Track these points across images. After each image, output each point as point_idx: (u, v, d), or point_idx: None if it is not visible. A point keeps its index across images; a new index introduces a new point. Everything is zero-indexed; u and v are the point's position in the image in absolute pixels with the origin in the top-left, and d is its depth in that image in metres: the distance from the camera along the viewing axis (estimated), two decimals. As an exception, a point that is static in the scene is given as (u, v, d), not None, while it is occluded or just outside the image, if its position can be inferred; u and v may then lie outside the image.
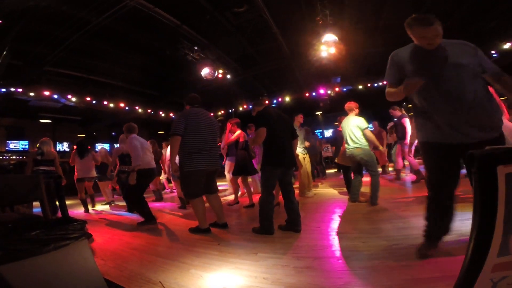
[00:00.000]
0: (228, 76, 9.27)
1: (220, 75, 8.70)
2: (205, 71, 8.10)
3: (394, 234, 2.45)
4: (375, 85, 10.70)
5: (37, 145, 4.66)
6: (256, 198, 3.58)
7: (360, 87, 10.89)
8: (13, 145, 13.74)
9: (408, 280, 1.62)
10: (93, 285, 1.68)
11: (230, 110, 12.69)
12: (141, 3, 5.45)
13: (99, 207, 6.00)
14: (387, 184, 5.66)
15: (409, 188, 5.15)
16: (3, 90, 7.50)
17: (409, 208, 3.39)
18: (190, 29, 6.92)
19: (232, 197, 5.16)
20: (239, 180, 4.92)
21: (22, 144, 14.00)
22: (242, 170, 4.55)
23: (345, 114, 4.21)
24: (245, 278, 1.85)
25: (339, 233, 2.69)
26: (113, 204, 6.17)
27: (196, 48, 7.48)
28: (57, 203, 4.35)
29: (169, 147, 3.18)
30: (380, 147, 4.50)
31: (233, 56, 9.12)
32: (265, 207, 2.87)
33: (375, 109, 14.19)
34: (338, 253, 2.16)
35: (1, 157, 13.23)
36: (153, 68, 9.91)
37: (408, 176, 6.18)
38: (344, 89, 11.06)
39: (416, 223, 2.65)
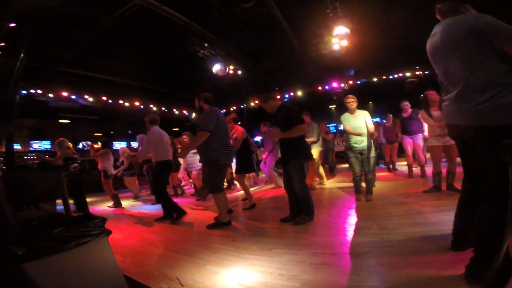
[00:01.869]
0: (239, 72, 9.24)
1: (231, 71, 8.68)
2: (216, 68, 8.11)
3: (414, 229, 2.37)
4: (390, 77, 10.38)
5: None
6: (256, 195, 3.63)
7: (375, 79, 10.60)
8: (36, 145, 14.35)
9: (430, 277, 1.56)
10: (113, 281, 1.73)
11: (241, 106, 12.68)
12: (148, 1, 5.49)
13: (129, 202, 6.30)
14: (405, 179, 5.51)
15: (427, 183, 4.97)
16: (24, 92, 7.80)
17: (430, 203, 3.27)
18: (199, 26, 6.92)
19: (241, 193, 5.19)
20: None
21: (44, 144, 14.60)
22: (244, 168, 4.56)
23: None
24: (260, 274, 1.85)
25: (356, 229, 2.63)
26: (140, 198, 6.52)
27: (206, 44, 7.49)
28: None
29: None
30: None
31: (243, 52, 9.06)
32: (308, 193, 3.11)
33: (390, 102, 13.83)
34: (355, 250, 2.11)
35: (25, 157, 13.84)
36: (165, 66, 10.01)
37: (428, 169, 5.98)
38: (358, 82, 10.79)
39: (437, 219, 2.57)
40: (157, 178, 3.91)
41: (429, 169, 5.83)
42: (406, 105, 5.36)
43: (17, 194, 2.14)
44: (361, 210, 3.40)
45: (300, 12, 6.65)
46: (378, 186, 4.89)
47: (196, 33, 7.21)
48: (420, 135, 5.17)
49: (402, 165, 7.36)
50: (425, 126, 4.83)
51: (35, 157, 13.83)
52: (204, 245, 2.62)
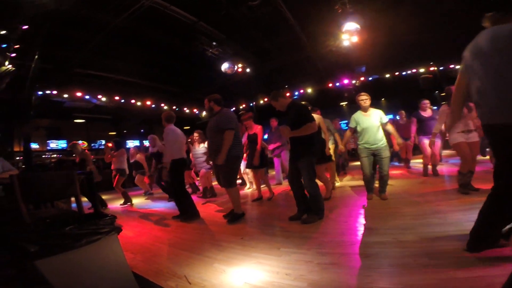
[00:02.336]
0: (248, 70, 9.22)
1: (239, 69, 8.68)
2: (225, 66, 8.14)
3: (428, 230, 2.29)
4: (403, 73, 10.10)
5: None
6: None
7: (387, 76, 10.34)
8: (53, 144, 14.83)
9: (444, 279, 1.50)
10: (122, 278, 1.75)
11: (251, 104, 12.67)
12: (156, 1, 5.56)
13: (142, 200, 6.46)
14: (419, 177, 5.34)
15: (443, 181, 4.81)
16: (40, 93, 8.08)
17: (445, 202, 3.16)
18: (207, 25, 6.97)
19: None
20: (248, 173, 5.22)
21: (60, 143, 15.07)
22: (263, 162, 4.79)
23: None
24: (266, 273, 1.84)
25: (367, 229, 2.57)
26: (150, 196, 6.68)
27: (214, 43, 7.52)
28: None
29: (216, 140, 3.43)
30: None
31: (251, 50, 9.04)
32: (318, 192, 3.09)
33: (403, 99, 13.48)
34: (366, 250, 2.06)
35: (43, 156, 14.34)
36: (175, 65, 10.13)
37: (444, 167, 5.80)
38: (370, 78, 10.57)
39: (453, 219, 2.48)
40: (173, 176, 3.96)
41: (443, 168, 5.66)
42: (427, 103, 5.13)
43: (32, 192, 2.21)
44: (373, 209, 3.32)
45: (308, 9, 6.56)
46: (391, 184, 4.79)
47: (204, 32, 7.25)
48: (438, 135, 4.97)
49: (416, 163, 7.17)
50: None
51: (52, 156, 14.33)
52: (213, 243, 2.63)
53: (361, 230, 2.56)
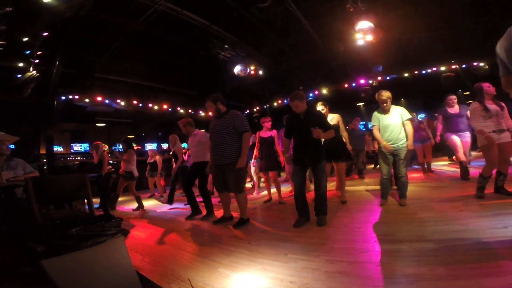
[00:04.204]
0: (260, 72, 9.20)
1: (252, 72, 8.67)
2: (237, 69, 8.17)
3: (447, 237, 2.14)
4: (423, 72, 9.67)
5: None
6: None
7: (406, 74, 9.95)
8: (76, 147, 15.56)
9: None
10: (127, 280, 1.76)
11: (265, 106, 12.63)
12: (169, 6, 5.68)
13: (156, 202, 6.53)
14: (439, 181, 5.06)
15: (467, 185, 4.50)
16: (63, 97, 8.48)
17: (469, 208, 2.94)
18: (219, 28, 7.03)
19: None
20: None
21: (84, 146, 15.78)
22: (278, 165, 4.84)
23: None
24: (270, 280, 1.78)
25: (381, 235, 2.43)
26: (161, 199, 6.72)
27: (226, 46, 7.56)
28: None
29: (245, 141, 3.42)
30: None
31: (264, 52, 9.01)
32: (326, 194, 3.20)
33: (424, 98, 12.92)
34: (378, 258, 1.94)
35: (68, 158, 15.07)
36: (190, 68, 10.31)
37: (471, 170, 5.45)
38: (388, 78, 10.20)
39: (476, 225, 2.30)
40: (205, 177, 4.19)
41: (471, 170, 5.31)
42: (455, 99, 4.82)
43: (45, 194, 2.30)
44: (389, 214, 3.16)
45: (319, 8, 6.45)
46: (410, 189, 4.56)
47: (216, 35, 7.32)
48: (467, 133, 4.65)
49: (438, 166, 6.81)
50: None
51: (76, 158, 15.01)
52: (220, 247, 2.60)
53: (374, 237, 2.43)
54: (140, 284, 1.82)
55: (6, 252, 2.26)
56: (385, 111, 3.51)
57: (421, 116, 8.86)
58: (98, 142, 5.75)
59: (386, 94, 3.44)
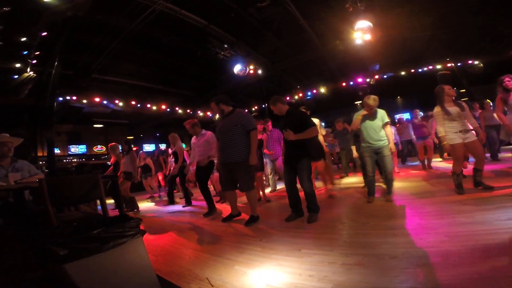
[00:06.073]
0: (260, 72, 9.25)
1: (251, 71, 8.71)
2: (237, 68, 8.21)
3: (455, 229, 2.21)
4: (419, 70, 9.83)
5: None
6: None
7: (403, 73, 10.09)
8: (73, 149, 15.42)
9: (473, 279, 1.45)
10: (147, 281, 1.78)
11: (263, 106, 12.67)
12: (167, 6, 5.69)
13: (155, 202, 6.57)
14: (440, 177, 5.17)
15: (467, 181, 4.60)
16: (60, 98, 8.41)
17: (471, 202, 3.02)
18: (217, 28, 7.07)
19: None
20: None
21: (80, 148, 15.64)
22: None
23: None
24: (288, 275, 1.82)
25: (390, 229, 2.50)
26: (158, 199, 6.74)
27: (225, 46, 7.59)
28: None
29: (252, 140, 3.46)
30: None
31: (262, 51, 9.06)
32: (314, 191, 3.26)
33: (420, 96, 13.10)
34: (391, 250, 1.99)
35: (65, 160, 14.92)
36: (188, 69, 10.30)
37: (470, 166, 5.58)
38: (385, 76, 10.34)
39: (481, 218, 2.38)
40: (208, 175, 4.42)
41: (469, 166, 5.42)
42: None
43: (58, 196, 2.30)
44: (393, 209, 3.24)
45: (318, 8, 6.52)
46: (413, 184, 4.70)
47: (215, 35, 7.34)
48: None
49: (432, 162, 6.94)
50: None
51: (73, 160, 14.88)
52: (232, 245, 2.64)
53: (383, 230, 2.49)
54: (159, 285, 1.85)
55: (14, 256, 2.26)
56: (369, 114, 3.75)
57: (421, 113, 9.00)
58: (114, 143, 5.66)
59: (374, 101, 3.68)
